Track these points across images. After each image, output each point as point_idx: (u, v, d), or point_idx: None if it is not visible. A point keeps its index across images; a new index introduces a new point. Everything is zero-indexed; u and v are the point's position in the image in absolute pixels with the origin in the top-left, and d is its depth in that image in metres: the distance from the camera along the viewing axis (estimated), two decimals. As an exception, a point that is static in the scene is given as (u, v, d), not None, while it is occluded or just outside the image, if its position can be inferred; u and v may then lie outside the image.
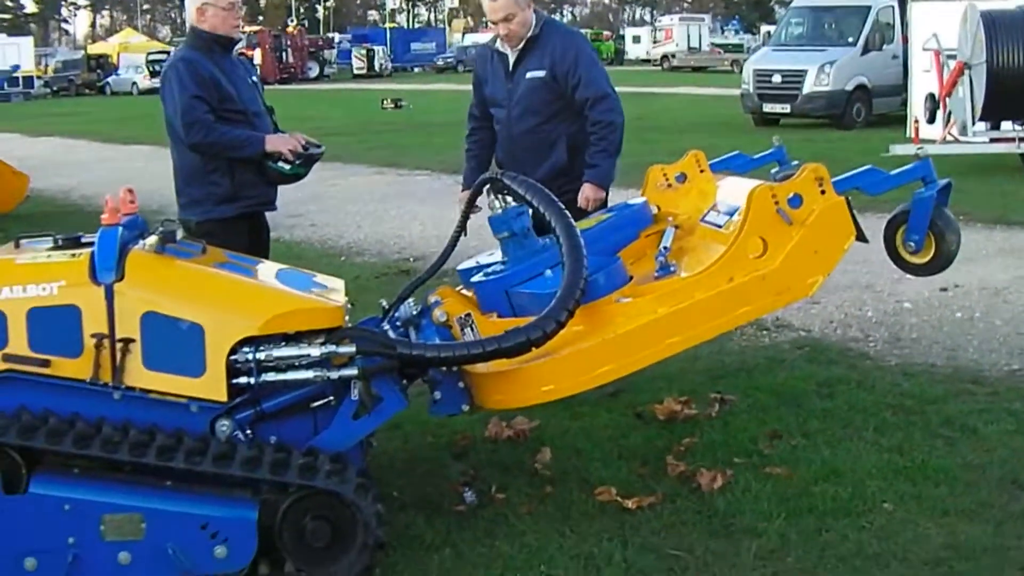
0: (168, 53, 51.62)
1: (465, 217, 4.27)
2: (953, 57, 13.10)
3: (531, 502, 4.07)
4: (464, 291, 4.07)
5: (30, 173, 12.27)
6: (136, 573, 3.35)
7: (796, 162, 4.53)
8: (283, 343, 3.47)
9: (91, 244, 3.52)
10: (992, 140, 13.12)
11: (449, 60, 61.05)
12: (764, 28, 61.26)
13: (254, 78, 5.11)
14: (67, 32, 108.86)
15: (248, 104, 4.86)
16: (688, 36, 58.43)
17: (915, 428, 4.72)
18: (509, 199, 3.97)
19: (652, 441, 4.64)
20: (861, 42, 20.03)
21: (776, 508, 3.94)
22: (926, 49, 14.20)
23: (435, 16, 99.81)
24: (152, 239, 3.62)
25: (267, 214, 5.10)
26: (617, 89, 5.13)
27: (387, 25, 70.33)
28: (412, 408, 3.85)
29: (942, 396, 5.14)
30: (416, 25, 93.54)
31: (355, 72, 56.35)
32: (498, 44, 5.13)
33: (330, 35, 69.92)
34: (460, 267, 4.22)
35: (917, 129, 12.82)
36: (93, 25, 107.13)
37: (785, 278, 3.79)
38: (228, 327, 3.42)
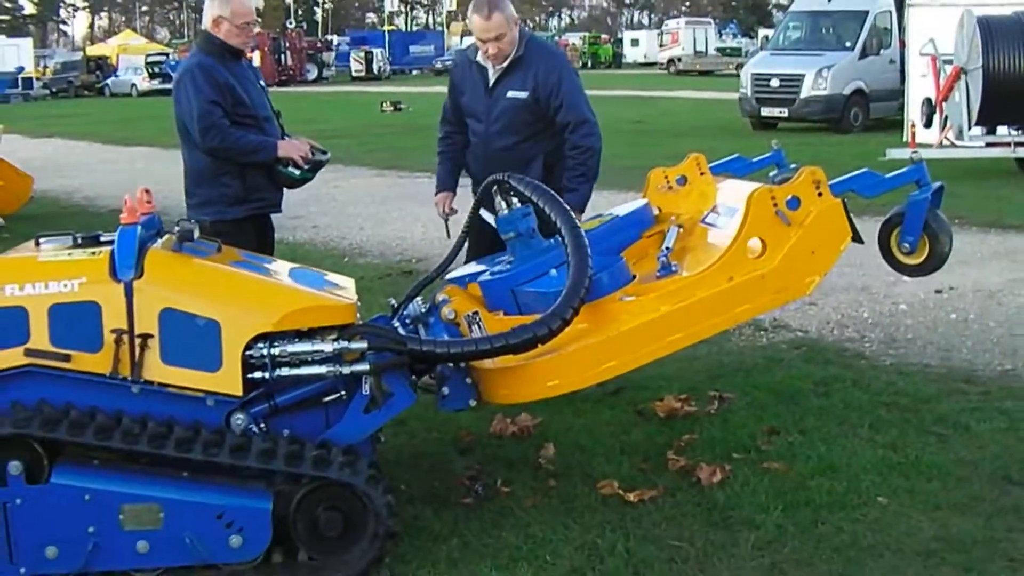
0: (167, 55, 52.15)
1: (473, 218, 4.30)
2: (950, 62, 13.17)
3: (536, 495, 4.16)
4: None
5: (33, 174, 12.27)
6: (154, 561, 3.45)
7: (794, 165, 4.60)
8: (297, 339, 3.55)
9: (110, 243, 3.61)
10: (988, 144, 13.16)
11: (447, 63, 60.67)
12: (762, 32, 61.24)
13: (261, 82, 5.21)
14: (65, 34, 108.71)
15: (259, 109, 4.97)
16: (695, 40, 57.77)
17: (909, 425, 4.81)
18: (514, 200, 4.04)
19: (653, 437, 4.72)
20: (859, 47, 20.10)
21: (773, 501, 4.03)
22: (923, 54, 14.28)
23: (433, 19, 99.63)
24: (170, 237, 3.70)
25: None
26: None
27: (385, 27, 69.97)
28: (418, 406, 3.93)
29: (936, 395, 5.23)
30: (414, 28, 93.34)
31: (353, 74, 56.19)
32: (479, 57, 5.02)
33: (328, 37, 69.67)
34: (449, 277, 4.19)
35: (914, 133, 12.84)
36: (91, 27, 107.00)
37: (783, 277, 3.87)
38: (244, 323, 3.50)
